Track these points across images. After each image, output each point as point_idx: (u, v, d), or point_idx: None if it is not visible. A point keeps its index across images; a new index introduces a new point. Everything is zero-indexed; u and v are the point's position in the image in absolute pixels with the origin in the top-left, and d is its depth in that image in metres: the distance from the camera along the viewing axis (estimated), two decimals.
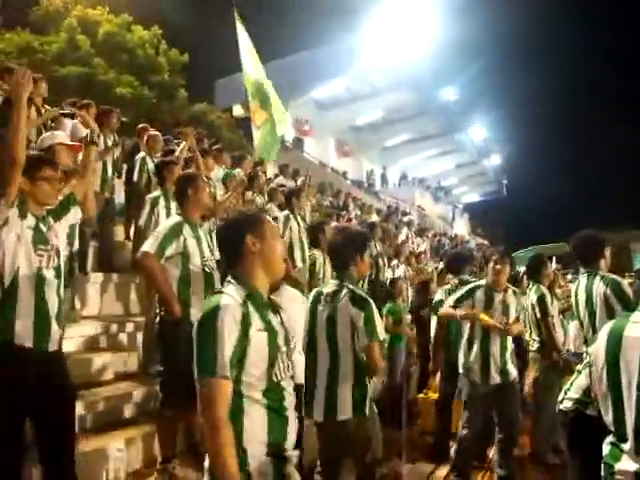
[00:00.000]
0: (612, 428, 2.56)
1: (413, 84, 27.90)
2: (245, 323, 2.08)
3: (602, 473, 2.61)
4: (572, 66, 62.65)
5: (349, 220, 11.67)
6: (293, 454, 2.22)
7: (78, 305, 5.37)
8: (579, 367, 3.38)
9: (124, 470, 3.50)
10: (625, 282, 4.10)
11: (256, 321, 2.13)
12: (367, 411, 3.42)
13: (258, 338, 2.10)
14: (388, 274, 8.91)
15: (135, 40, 20.85)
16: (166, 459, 3.72)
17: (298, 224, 6.82)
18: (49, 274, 2.99)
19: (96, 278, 5.95)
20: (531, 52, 61.65)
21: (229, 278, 2.25)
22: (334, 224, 7.71)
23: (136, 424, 4.22)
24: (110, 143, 6.73)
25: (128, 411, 4.45)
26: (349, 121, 30.50)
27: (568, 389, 3.40)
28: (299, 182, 10.89)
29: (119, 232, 7.55)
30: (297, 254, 6.66)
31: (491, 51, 45.16)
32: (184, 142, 6.58)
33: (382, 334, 3.39)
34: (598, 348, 2.58)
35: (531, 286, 5.71)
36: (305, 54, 25.73)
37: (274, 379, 2.15)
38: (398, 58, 25.50)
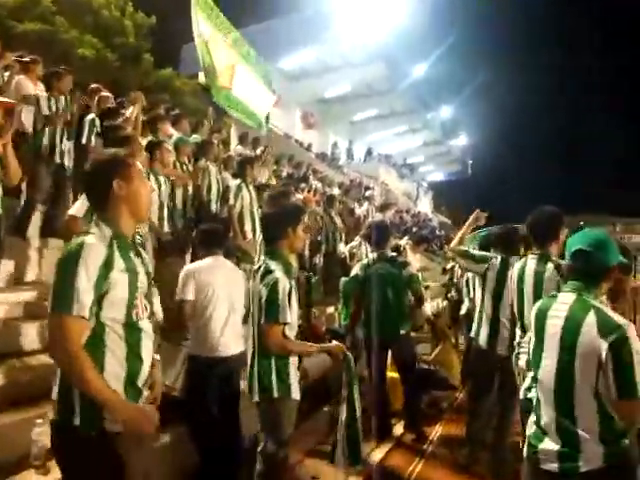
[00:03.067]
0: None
1: (384, 58, 27.56)
2: (107, 263, 2.12)
3: (524, 453, 2.60)
4: (544, 49, 63.15)
5: (309, 192, 11.52)
6: (145, 394, 2.28)
7: (12, 271, 5.16)
8: None
9: (44, 445, 3.33)
10: None
11: (118, 262, 2.16)
12: (293, 392, 3.44)
13: (119, 279, 2.15)
14: (343, 249, 8.85)
15: (100, 0, 19.98)
16: None
17: (250, 194, 6.66)
18: None
19: (37, 244, 5.72)
20: (502, 34, 61.74)
21: (94, 220, 2.29)
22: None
23: None
24: (59, 107, 6.36)
25: None
26: (317, 93, 30.08)
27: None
28: (258, 151, 10.66)
29: None
30: (247, 225, 6.52)
31: (463, 29, 45.11)
32: (132, 106, 6.36)
33: (283, 316, 3.29)
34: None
35: None
36: (272, 22, 25.14)
37: (133, 319, 2.20)
38: (370, 30, 25.15)
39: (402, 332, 5.55)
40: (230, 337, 4.16)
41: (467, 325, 6.70)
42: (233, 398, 4.17)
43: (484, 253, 5.06)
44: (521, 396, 3.38)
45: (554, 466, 2.41)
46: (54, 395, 2.17)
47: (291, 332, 3.42)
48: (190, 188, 7.11)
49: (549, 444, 2.44)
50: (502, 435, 4.79)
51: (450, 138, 41.97)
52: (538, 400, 2.56)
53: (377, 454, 5.12)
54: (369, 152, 34.67)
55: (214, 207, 7.18)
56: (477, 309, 4.94)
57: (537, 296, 3.78)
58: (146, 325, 2.28)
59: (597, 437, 2.30)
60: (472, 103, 45.95)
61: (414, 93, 32.65)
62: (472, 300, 6.36)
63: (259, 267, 3.51)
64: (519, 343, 3.92)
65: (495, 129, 53.61)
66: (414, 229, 16.92)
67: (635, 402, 2.23)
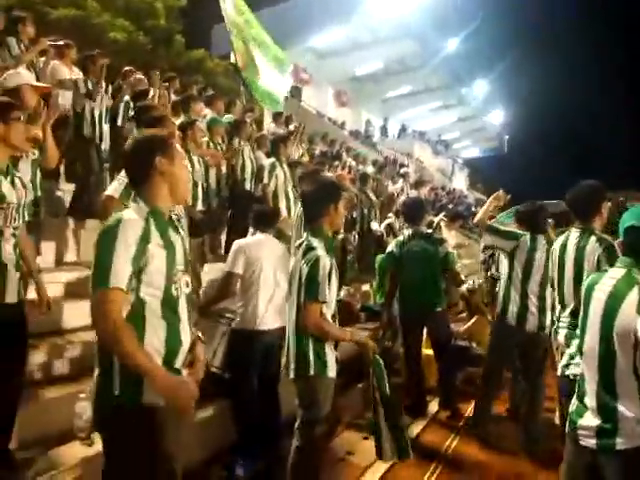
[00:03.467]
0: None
1: (416, 34, 27.17)
2: (144, 237, 2.13)
3: (566, 429, 2.58)
4: (584, 23, 61.23)
5: (343, 169, 11.49)
6: (183, 372, 2.29)
7: (52, 251, 5.29)
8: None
9: (88, 418, 3.42)
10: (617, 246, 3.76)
11: (155, 237, 2.18)
12: (329, 372, 3.41)
13: (157, 253, 2.17)
14: (377, 226, 8.82)
15: None
16: None
17: (284, 172, 6.66)
18: (7, 232, 3.01)
19: (75, 224, 5.84)
20: (538, 8, 59.92)
21: (133, 196, 2.32)
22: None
23: None
24: (97, 89, 6.47)
25: None
26: (349, 71, 29.86)
27: (575, 354, 3.17)
28: (291, 128, 10.65)
29: None
30: (282, 203, 6.52)
31: (495, 2, 43.92)
32: (152, 88, 6.44)
33: (322, 295, 3.27)
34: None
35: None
36: (301, 0, 24.92)
37: (172, 294, 2.23)
38: (400, 6, 24.75)
39: (437, 309, 5.51)
40: (273, 312, 4.23)
41: None
42: (274, 373, 4.22)
43: (513, 230, 5.02)
44: (559, 373, 3.36)
45: (592, 442, 2.39)
46: (95, 370, 2.20)
47: (329, 311, 3.41)
48: (224, 168, 7.16)
49: (589, 420, 2.41)
50: (532, 412, 4.85)
51: (485, 114, 41.22)
52: (582, 375, 2.53)
53: (412, 431, 5.12)
54: (403, 129, 34.34)
55: (248, 186, 7.22)
56: (503, 286, 4.94)
57: (577, 270, 3.82)
58: (185, 302, 2.29)
59: (637, 415, 2.26)
60: (508, 78, 44.92)
61: (447, 68, 32.16)
62: None
63: (301, 244, 3.49)
64: (558, 318, 3.98)
65: (533, 105, 52.35)
66: (449, 206, 16.74)
67: None
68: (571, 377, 3.16)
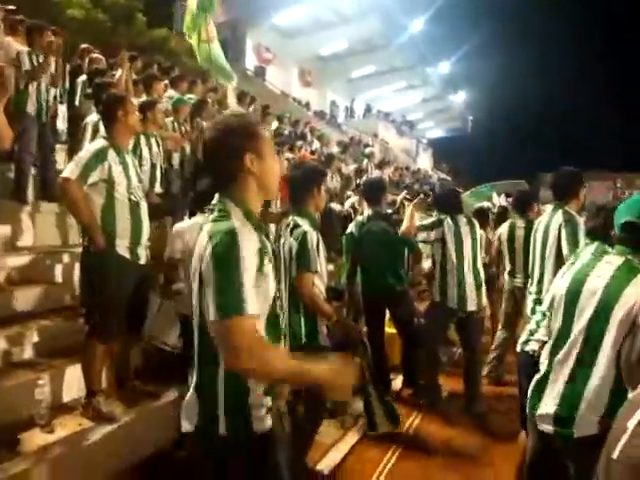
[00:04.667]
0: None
1: (381, 13, 27.07)
2: (262, 251, 1.86)
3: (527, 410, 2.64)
4: (545, 6, 61.77)
5: (306, 150, 11.44)
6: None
7: (7, 235, 5.16)
8: (541, 308, 3.32)
9: (48, 404, 3.39)
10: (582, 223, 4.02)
11: (267, 249, 1.93)
12: (321, 340, 3.65)
13: (269, 268, 1.90)
14: (337, 206, 8.83)
15: None
16: (92, 393, 3.62)
17: None
18: None
19: (32, 207, 5.68)
20: None
21: (218, 200, 1.97)
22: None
23: (65, 358, 4.05)
24: (41, 63, 6.09)
25: (58, 345, 4.27)
26: (314, 50, 29.57)
27: (535, 330, 3.24)
28: (251, 109, 10.55)
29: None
30: None
31: None
32: (120, 68, 6.25)
33: (314, 265, 3.53)
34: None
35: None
36: None
37: (277, 311, 1.98)
38: None
39: (398, 289, 5.55)
40: None
41: None
42: None
43: (434, 219, 5.42)
44: (518, 349, 3.43)
45: (550, 428, 2.44)
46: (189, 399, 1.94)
47: (321, 284, 3.62)
48: (188, 149, 7.06)
49: (548, 407, 2.45)
50: (473, 390, 5.25)
51: (450, 94, 41.41)
52: (550, 360, 2.55)
53: None
54: (368, 109, 34.29)
55: None
56: (439, 273, 5.25)
57: (543, 243, 4.26)
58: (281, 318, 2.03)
59: (602, 407, 2.29)
60: (472, 59, 45.15)
61: (412, 49, 32.10)
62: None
63: (288, 224, 3.72)
64: (530, 292, 4.41)
65: (496, 85, 52.81)
66: (415, 186, 16.83)
67: None
68: (530, 353, 3.23)
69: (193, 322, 1.96)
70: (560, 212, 4.18)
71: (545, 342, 2.98)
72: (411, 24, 31.29)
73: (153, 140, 5.64)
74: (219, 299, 1.74)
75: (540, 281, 4.34)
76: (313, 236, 3.56)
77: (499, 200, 9.65)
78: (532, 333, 3.32)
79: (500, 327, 6.25)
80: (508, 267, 6.05)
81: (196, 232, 4.02)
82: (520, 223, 5.95)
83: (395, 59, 32.54)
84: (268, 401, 1.92)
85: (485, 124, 49.64)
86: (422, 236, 5.30)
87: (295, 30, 27.44)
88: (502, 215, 7.44)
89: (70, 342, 4.15)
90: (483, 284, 5.21)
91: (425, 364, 5.48)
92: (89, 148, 3.71)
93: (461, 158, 42.97)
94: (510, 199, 9.81)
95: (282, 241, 3.74)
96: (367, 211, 5.82)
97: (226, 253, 1.76)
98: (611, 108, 61.60)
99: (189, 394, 1.94)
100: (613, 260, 2.43)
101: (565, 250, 4.03)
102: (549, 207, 4.41)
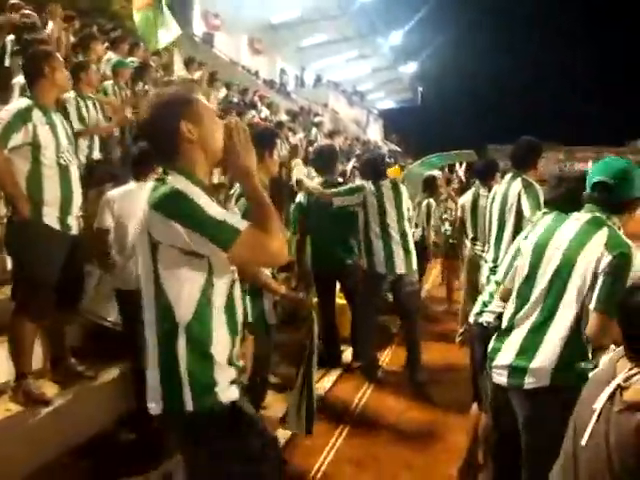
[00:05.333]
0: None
1: None
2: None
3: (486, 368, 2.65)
4: None
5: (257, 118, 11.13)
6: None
7: None
8: (495, 277, 3.22)
9: None
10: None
11: None
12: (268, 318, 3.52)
13: None
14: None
15: None
16: (22, 375, 3.36)
17: None
18: None
19: None
20: None
21: (162, 173, 1.98)
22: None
23: None
24: None
25: None
26: (264, 18, 28.83)
27: (489, 301, 3.26)
28: (196, 75, 10.17)
29: None
30: None
31: None
32: (51, 22, 5.84)
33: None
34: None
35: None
36: None
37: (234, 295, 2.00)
38: None
39: (348, 262, 5.42)
40: None
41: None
42: None
43: (354, 184, 5.38)
44: (471, 320, 3.35)
45: (504, 380, 2.46)
46: (151, 382, 1.90)
47: None
48: (129, 114, 6.71)
49: (504, 358, 2.47)
50: (412, 357, 5.23)
51: (400, 65, 41.26)
52: (512, 313, 2.53)
53: (326, 382, 5.10)
54: (318, 79, 33.89)
55: None
56: (364, 239, 5.16)
57: (502, 208, 4.27)
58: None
59: (556, 358, 2.32)
60: (425, 30, 44.93)
61: (364, 18, 31.66)
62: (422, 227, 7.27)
63: (234, 193, 3.51)
64: (486, 261, 4.53)
65: (447, 56, 52.87)
66: (364, 156, 16.70)
67: (600, 316, 2.21)
68: (484, 324, 3.15)
69: (143, 294, 1.93)
70: (519, 180, 4.18)
71: (500, 313, 2.91)
72: None
73: (90, 103, 5.29)
74: (212, 234, 1.77)
75: (497, 249, 4.30)
76: None
77: (460, 170, 9.70)
78: (485, 304, 3.27)
79: (463, 296, 6.24)
80: (470, 235, 6.04)
81: (127, 201, 3.79)
82: (483, 192, 5.90)
83: (347, 28, 32.04)
84: (232, 373, 1.92)
85: (436, 96, 49.95)
86: (338, 202, 5.08)
87: None
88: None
89: None
90: (412, 249, 5.15)
91: (359, 335, 5.42)
92: (9, 108, 3.37)
93: (411, 129, 43.11)
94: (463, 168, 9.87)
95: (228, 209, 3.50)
96: (317, 179, 5.65)
97: (178, 204, 1.79)
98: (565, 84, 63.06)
99: (149, 374, 1.91)
100: (581, 217, 2.42)
101: (527, 213, 3.98)
102: (507, 176, 4.40)
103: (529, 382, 2.35)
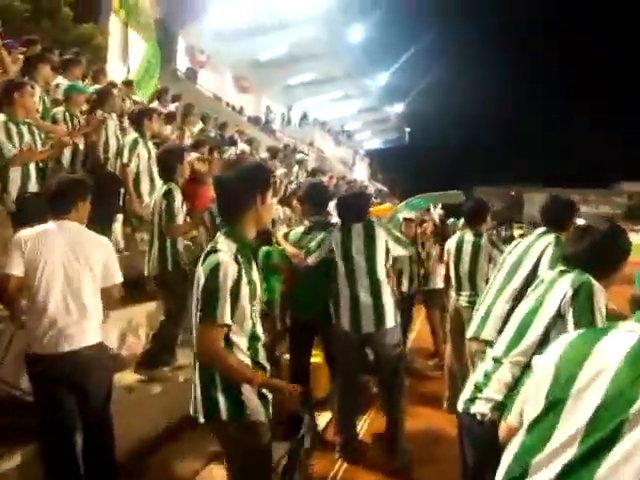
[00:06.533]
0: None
1: (321, 20, 26.44)
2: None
3: None
4: (482, 15, 63.19)
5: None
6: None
7: None
8: (493, 352, 2.50)
9: None
10: None
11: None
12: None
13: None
14: None
15: None
16: None
17: (148, 151, 5.65)
18: None
19: None
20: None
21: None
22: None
23: None
24: None
25: None
26: (250, 55, 28.64)
27: (482, 384, 2.42)
28: (172, 107, 9.60)
29: None
30: (144, 187, 5.53)
31: None
32: None
33: (222, 314, 2.34)
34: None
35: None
36: None
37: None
38: None
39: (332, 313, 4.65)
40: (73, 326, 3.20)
41: None
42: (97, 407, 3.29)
43: (317, 238, 4.49)
44: (459, 408, 2.56)
45: None
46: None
47: (239, 338, 2.46)
48: (81, 145, 6.07)
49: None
50: (392, 432, 4.39)
51: (387, 105, 41.34)
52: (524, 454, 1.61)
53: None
54: (304, 117, 33.71)
55: (112, 167, 6.13)
56: (333, 290, 4.41)
57: (518, 259, 3.57)
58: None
59: None
60: (411, 71, 45.21)
61: (350, 58, 31.70)
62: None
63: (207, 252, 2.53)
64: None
65: (435, 97, 53.30)
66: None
67: None
68: (478, 417, 2.36)
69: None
70: (551, 236, 3.58)
71: (498, 401, 2.21)
72: (350, 31, 30.81)
73: (24, 128, 4.59)
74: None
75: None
76: (230, 270, 2.35)
77: (435, 212, 9.20)
78: (479, 388, 2.42)
79: (448, 352, 5.56)
80: (454, 284, 5.43)
81: (42, 243, 3.04)
82: (469, 237, 5.32)
83: (333, 68, 32.10)
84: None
85: (423, 136, 50.11)
86: (313, 259, 4.37)
87: (232, 33, 26.44)
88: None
89: None
90: (385, 302, 4.24)
91: (338, 403, 4.55)
92: None
93: (398, 169, 43.04)
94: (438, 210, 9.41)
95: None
96: (306, 220, 4.92)
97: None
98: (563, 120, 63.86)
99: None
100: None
101: (544, 265, 3.36)
102: (537, 230, 3.77)
103: None
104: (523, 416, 1.57)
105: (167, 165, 4.70)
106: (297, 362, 4.80)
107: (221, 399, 2.40)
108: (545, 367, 1.55)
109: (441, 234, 7.94)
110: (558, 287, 2.29)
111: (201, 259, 2.47)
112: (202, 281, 2.36)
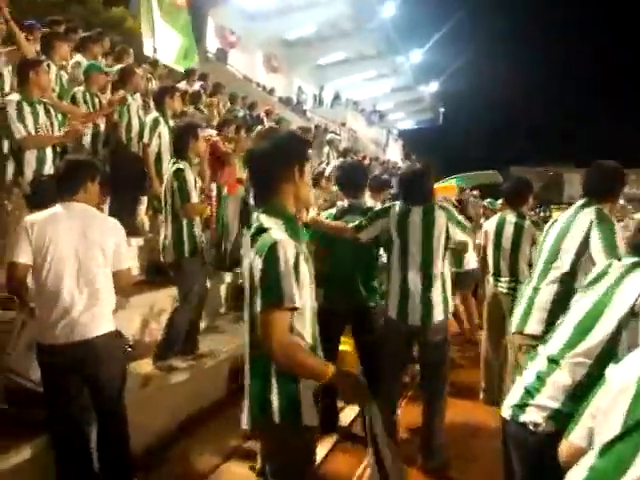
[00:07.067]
0: None
1: None
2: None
3: None
4: None
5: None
6: None
7: None
8: (546, 350, 2.13)
9: None
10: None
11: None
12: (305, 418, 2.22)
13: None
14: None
15: None
16: None
17: (170, 130, 5.47)
18: None
19: None
20: None
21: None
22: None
23: None
24: None
25: None
26: (280, 34, 28.29)
27: (534, 388, 2.07)
28: (197, 86, 9.40)
29: None
30: (166, 167, 5.32)
31: None
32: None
33: (290, 297, 2.03)
34: None
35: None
36: None
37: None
38: None
39: (370, 304, 4.36)
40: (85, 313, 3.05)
41: None
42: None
43: (374, 210, 4.23)
44: (505, 414, 2.27)
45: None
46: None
47: (303, 328, 2.19)
48: (102, 125, 5.92)
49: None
50: (430, 434, 4.01)
51: (421, 85, 40.47)
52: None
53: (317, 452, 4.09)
54: (337, 97, 33.26)
55: (135, 148, 5.98)
56: (385, 276, 4.13)
57: (557, 241, 3.28)
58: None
59: None
60: (444, 48, 44.16)
61: (382, 36, 30.97)
62: None
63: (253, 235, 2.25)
64: None
65: (469, 76, 52.08)
66: (383, 177, 15.81)
67: None
68: (530, 426, 2.05)
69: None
70: (592, 209, 3.21)
71: (554, 410, 1.95)
72: (382, 9, 30.03)
73: (40, 108, 4.42)
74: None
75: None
76: (289, 249, 2.07)
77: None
78: (530, 393, 2.08)
79: (484, 341, 5.27)
80: (491, 270, 5.13)
81: (50, 227, 2.89)
82: (511, 218, 5.00)
83: (365, 46, 31.51)
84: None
85: (458, 116, 49.13)
86: (364, 236, 4.03)
87: (260, 13, 26.09)
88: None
89: None
90: (436, 296, 3.86)
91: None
92: None
93: (432, 150, 42.28)
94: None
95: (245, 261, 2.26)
96: (341, 202, 4.64)
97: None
98: (596, 101, 62.16)
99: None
100: None
101: (596, 255, 2.98)
102: (576, 203, 3.41)
103: None
104: (593, 436, 1.32)
105: (179, 141, 4.51)
106: (325, 352, 4.54)
107: (275, 399, 2.09)
108: (625, 382, 1.33)
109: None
110: (631, 282, 1.96)
111: (248, 243, 2.20)
112: (259, 264, 2.05)
